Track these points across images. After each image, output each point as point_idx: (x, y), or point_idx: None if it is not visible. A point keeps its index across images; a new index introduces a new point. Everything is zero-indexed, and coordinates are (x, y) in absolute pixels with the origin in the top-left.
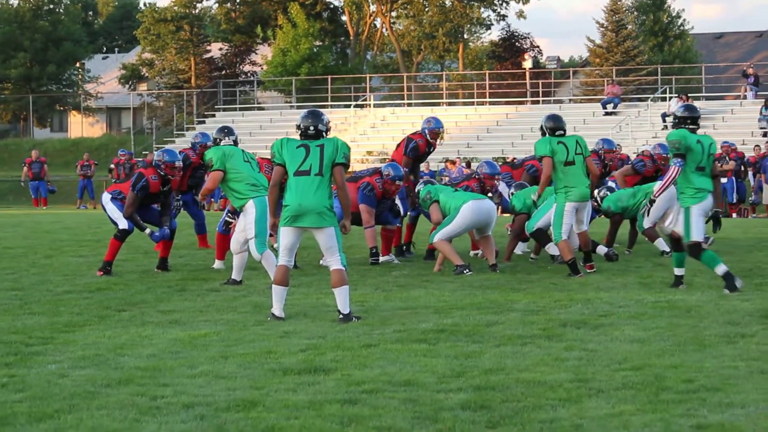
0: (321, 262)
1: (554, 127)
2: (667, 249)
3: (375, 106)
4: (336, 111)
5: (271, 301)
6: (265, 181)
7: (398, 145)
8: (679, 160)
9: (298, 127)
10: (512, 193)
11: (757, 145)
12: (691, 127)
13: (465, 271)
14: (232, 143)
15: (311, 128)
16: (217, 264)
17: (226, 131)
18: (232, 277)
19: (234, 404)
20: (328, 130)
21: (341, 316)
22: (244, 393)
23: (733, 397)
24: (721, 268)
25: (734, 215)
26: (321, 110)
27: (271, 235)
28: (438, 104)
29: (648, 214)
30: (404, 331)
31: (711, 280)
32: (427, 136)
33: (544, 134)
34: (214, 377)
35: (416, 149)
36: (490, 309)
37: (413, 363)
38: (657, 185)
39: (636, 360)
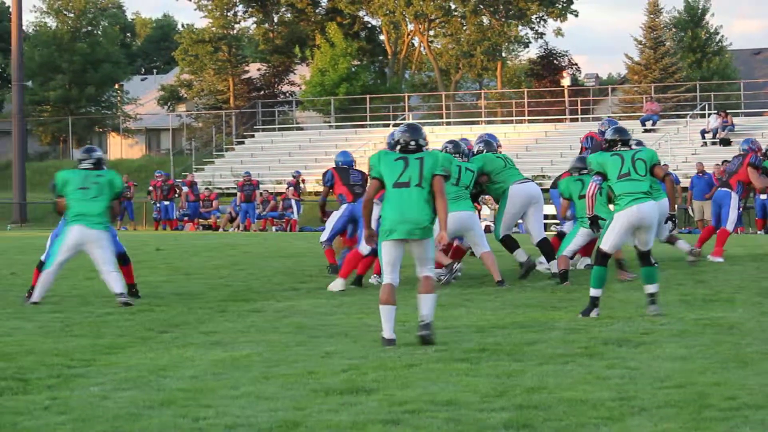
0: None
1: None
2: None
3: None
4: (375, 130)
5: (381, 323)
6: (92, 210)
7: None
8: (597, 177)
9: (397, 142)
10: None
11: None
12: (622, 149)
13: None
14: (90, 166)
15: (411, 143)
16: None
17: (87, 151)
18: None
19: (276, 425)
20: (426, 144)
21: (423, 323)
22: (286, 414)
23: None
24: (595, 291)
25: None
26: (418, 126)
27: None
28: (477, 123)
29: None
30: (446, 351)
31: (753, 297)
32: None
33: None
34: (256, 398)
35: None
36: (531, 328)
37: (455, 382)
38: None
39: (678, 378)
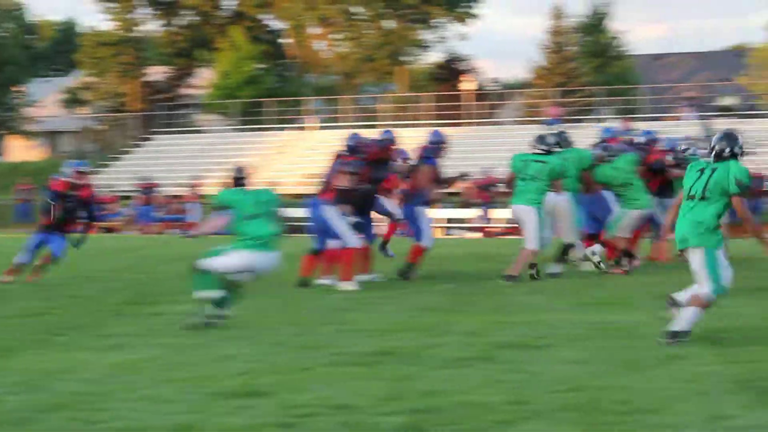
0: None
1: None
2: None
3: (317, 128)
4: (276, 134)
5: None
6: None
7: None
8: (222, 211)
9: (712, 149)
10: None
11: None
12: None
13: None
14: None
15: (726, 151)
16: None
17: None
18: None
19: (172, 429)
20: (742, 153)
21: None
22: (181, 417)
23: (668, 419)
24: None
25: None
26: (735, 132)
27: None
28: (378, 126)
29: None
30: (342, 354)
31: (648, 301)
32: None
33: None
34: (152, 402)
35: None
36: (429, 331)
37: (350, 386)
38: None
39: (573, 382)
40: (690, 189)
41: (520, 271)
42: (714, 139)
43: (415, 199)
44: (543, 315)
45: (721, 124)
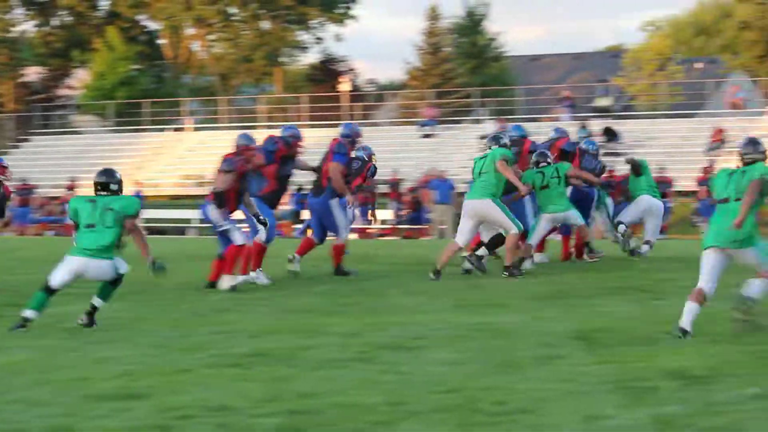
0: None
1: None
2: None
3: (193, 129)
4: (153, 135)
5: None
6: None
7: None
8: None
9: (742, 155)
10: None
11: None
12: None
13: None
14: None
15: (752, 154)
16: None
17: None
18: None
19: (47, 431)
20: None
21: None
22: (57, 420)
23: (545, 419)
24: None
25: None
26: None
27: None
28: (255, 127)
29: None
30: (219, 356)
31: (526, 302)
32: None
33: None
34: (28, 404)
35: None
36: (305, 333)
37: (227, 388)
38: None
39: (450, 382)
40: (723, 192)
41: (514, 259)
42: (742, 144)
43: (324, 195)
44: (421, 316)
45: (598, 125)
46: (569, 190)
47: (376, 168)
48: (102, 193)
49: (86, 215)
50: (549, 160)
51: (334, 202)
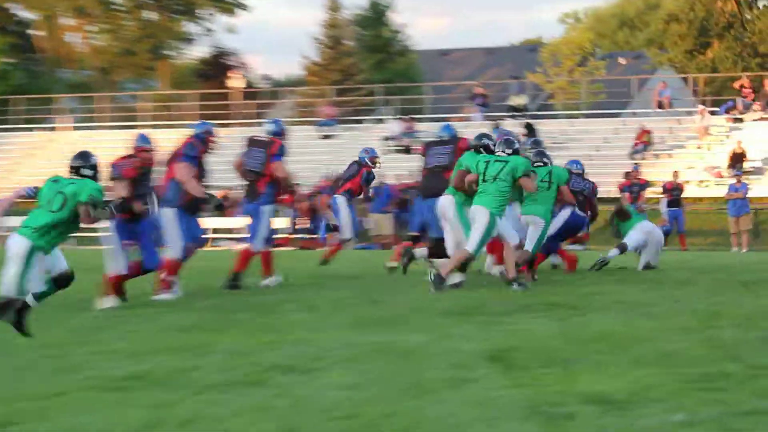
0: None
1: None
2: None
3: (72, 128)
4: (26, 134)
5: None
6: None
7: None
8: None
9: None
10: None
11: None
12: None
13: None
14: None
15: None
16: None
17: None
18: None
19: None
20: None
21: None
22: None
23: None
24: None
25: None
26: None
27: None
28: (138, 126)
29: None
30: (96, 378)
31: (433, 318)
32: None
33: None
34: None
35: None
36: (190, 352)
37: (104, 413)
38: None
39: (348, 408)
40: None
41: (514, 272)
42: None
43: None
44: (317, 334)
45: (512, 125)
46: (568, 212)
47: (373, 175)
48: (75, 177)
49: (42, 195)
50: (546, 160)
51: (268, 209)
